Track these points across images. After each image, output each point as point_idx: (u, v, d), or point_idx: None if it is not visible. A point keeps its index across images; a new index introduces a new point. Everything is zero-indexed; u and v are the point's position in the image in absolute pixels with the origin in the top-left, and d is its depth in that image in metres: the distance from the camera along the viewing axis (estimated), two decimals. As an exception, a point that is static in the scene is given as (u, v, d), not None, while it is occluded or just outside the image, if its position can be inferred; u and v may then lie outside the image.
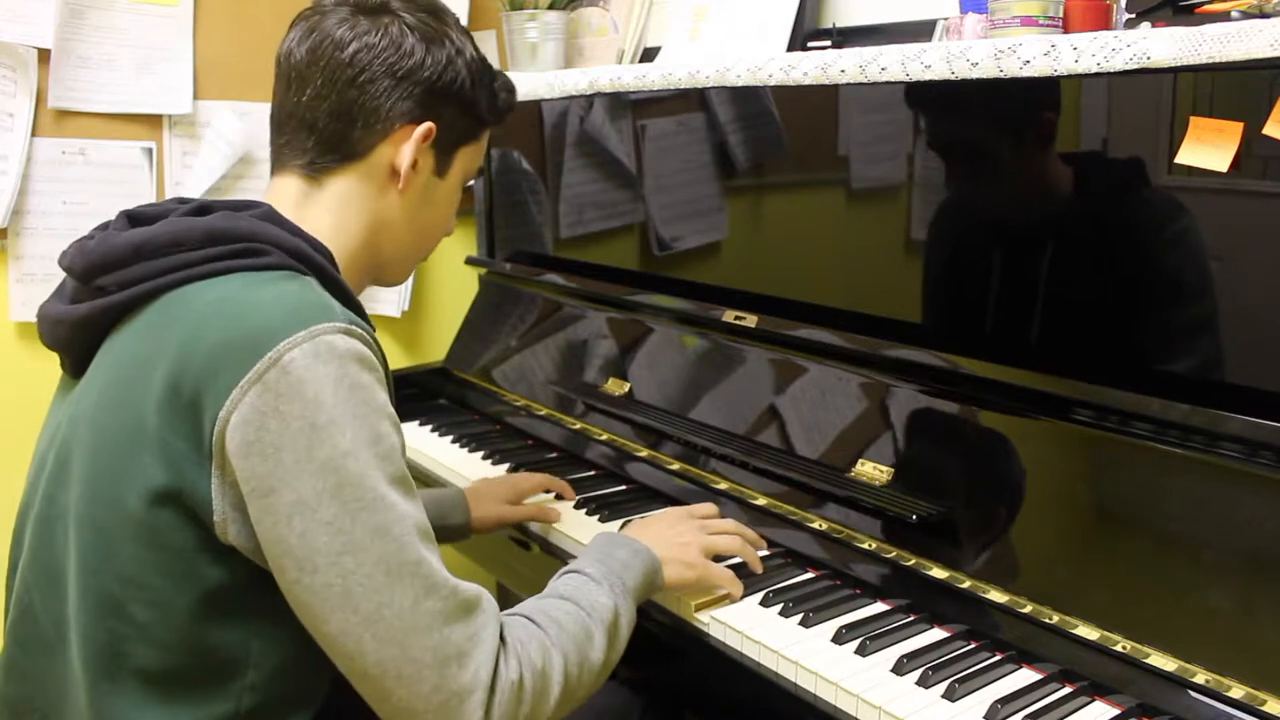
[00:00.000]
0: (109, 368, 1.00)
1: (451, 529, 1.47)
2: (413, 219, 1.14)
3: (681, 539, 1.25)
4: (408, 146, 1.09)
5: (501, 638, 0.98)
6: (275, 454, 0.89)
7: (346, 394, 0.91)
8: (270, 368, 0.89)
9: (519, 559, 1.55)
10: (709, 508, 1.36)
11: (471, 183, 2.24)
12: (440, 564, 0.96)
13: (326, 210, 1.09)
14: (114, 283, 1.00)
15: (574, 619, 1.05)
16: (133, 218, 1.05)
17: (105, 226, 1.07)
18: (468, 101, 1.13)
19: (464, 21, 2.27)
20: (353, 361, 0.93)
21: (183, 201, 1.08)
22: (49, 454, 1.04)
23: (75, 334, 1.04)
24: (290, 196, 1.09)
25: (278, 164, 1.11)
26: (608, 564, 1.14)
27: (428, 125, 1.09)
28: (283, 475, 0.89)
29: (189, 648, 0.95)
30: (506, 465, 1.71)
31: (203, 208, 1.05)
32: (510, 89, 1.20)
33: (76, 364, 1.05)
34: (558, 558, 1.45)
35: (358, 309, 1.04)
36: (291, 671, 0.99)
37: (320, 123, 1.07)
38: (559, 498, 1.56)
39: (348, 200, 1.09)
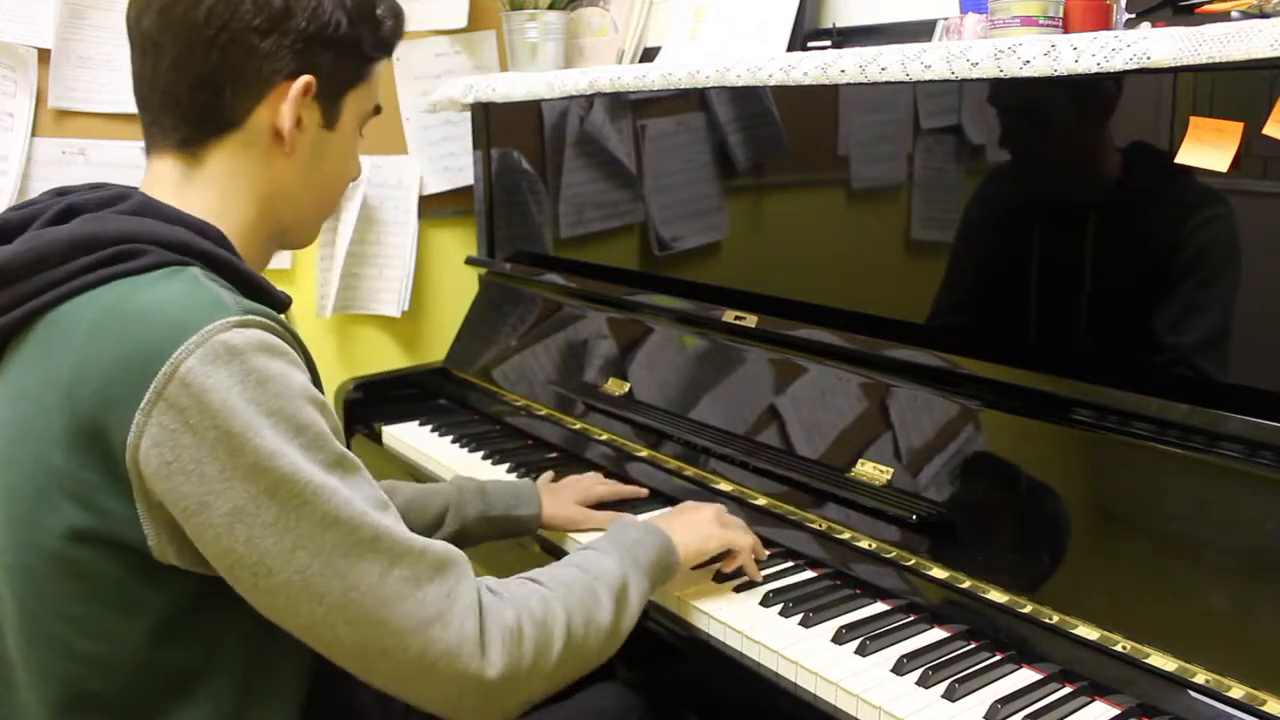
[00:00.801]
0: (3, 404, 0.93)
1: (522, 520, 1.43)
2: (309, 179, 1.04)
3: (697, 522, 1.25)
4: (286, 106, 0.98)
5: (494, 590, 0.97)
6: (198, 469, 0.84)
7: (256, 391, 0.85)
8: (168, 383, 0.84)
9: (519, 559, 1.55)
10: (719, 507, 1.36)
11: (471, 182, 2.26)
12: (402, 528, 0.92)
13: (211, 188, 0.99)
14: None
15: (579, 580, 1.04)
16: (1, 229, 0.96)
17: None
18: (348, 43, 1.01)
19: (463, 22, 2.28)
20: (256, 353, 0.86)
21: (59, 194, 1.00)
22: None
23: None
24: (169, 179, 1.00)
25: (150, 145, 1.01)
26: (617, 539, 1.14)
27: (306, 79, 0.98)
28: (211, 489, 0.85)
29: (149, 670, 0.91)
30: (506, 465, 1.71)
31: (67, 211, 0.95)
32: (397, 14, 1.07)
33: None
34: (558, 558, 1.45)
35: (258, 288, 0.96)
36: (262, 668, 0.95)
37: (185, 95, 0.96)
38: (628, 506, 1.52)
39: (232, 173, 1.00)
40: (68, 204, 0.97)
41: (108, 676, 0.91)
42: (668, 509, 1.37)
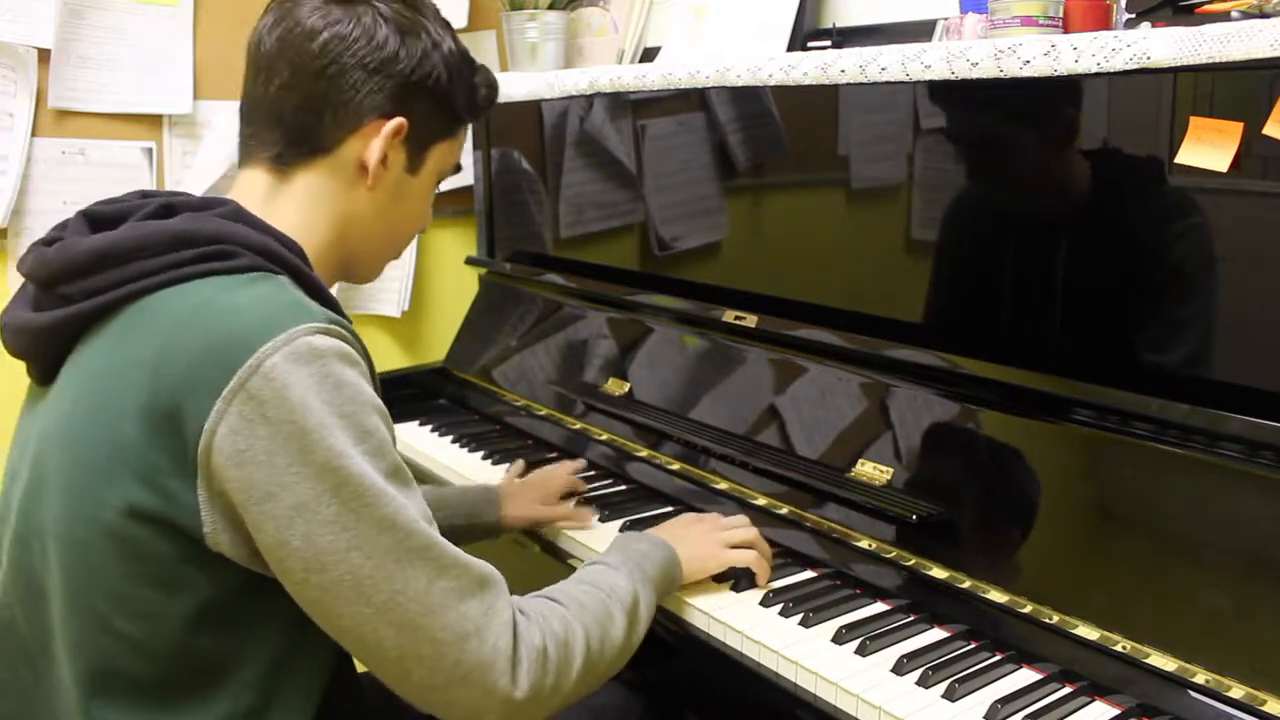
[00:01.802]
0: (80, 380, 0.97)
1: (483, 526, 1.47)
2: (383, 216, 1.10)
3: (700, 535, 1.28)
4: (377, 142, 1.05)
5: (523, 610, 1.00)
6: (268, 460, 0.88)
7: (332, 393, 0.90)
8: (252, 375, 0.87)
9: (519, 558, 1.55)
10: (716, 515, 1.36)
11: (471, 182, 2.26)
12: (447, 543, 0.96)
13: (294, 205, 1.06)
14: (78, 291, 0.96)
15: (594, 598, 1.07)
16: (92, 219, 1.01)
17: (65, 226, 1.02)
18: (443, 97, 1.09)
19: (463, 22, 2.28)
20: (335, 360, 0.91)
21: (145, 196, 1.05)
22: (21, 468, 1.01)
23: (39, 343, 1.00)
24: (258, 191, 1.06)
25: (245, 157, 1.08)
26: (626, 553, 1.17)
27: (399, 121, 1.05)
28: (279, 480, 0.88)
29: (181, 655, 0.94)
30: (506, 465, 1.71)
31: (167, 207, 1.01)
32: (491, 84, 1.16)
33: (44, 372, 1.02)
34: (558, 558, 1.45)
35: (333, 305, 1.01)
36: (288, 666, 0.98)
37: (287, 115, 1.04)
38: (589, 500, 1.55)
39: (316, 195, 1.06)
40: (167, 201, 1.02)
41: (141, 657, 0.94)
42: (667, 521, 1.37)
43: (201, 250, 0.96)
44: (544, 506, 1.50)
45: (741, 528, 1.31)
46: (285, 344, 0.89)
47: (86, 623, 0.94)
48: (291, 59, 1.03)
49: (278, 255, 0.99)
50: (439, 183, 1.16)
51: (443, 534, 1.39)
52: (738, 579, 1.28)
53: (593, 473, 1.65)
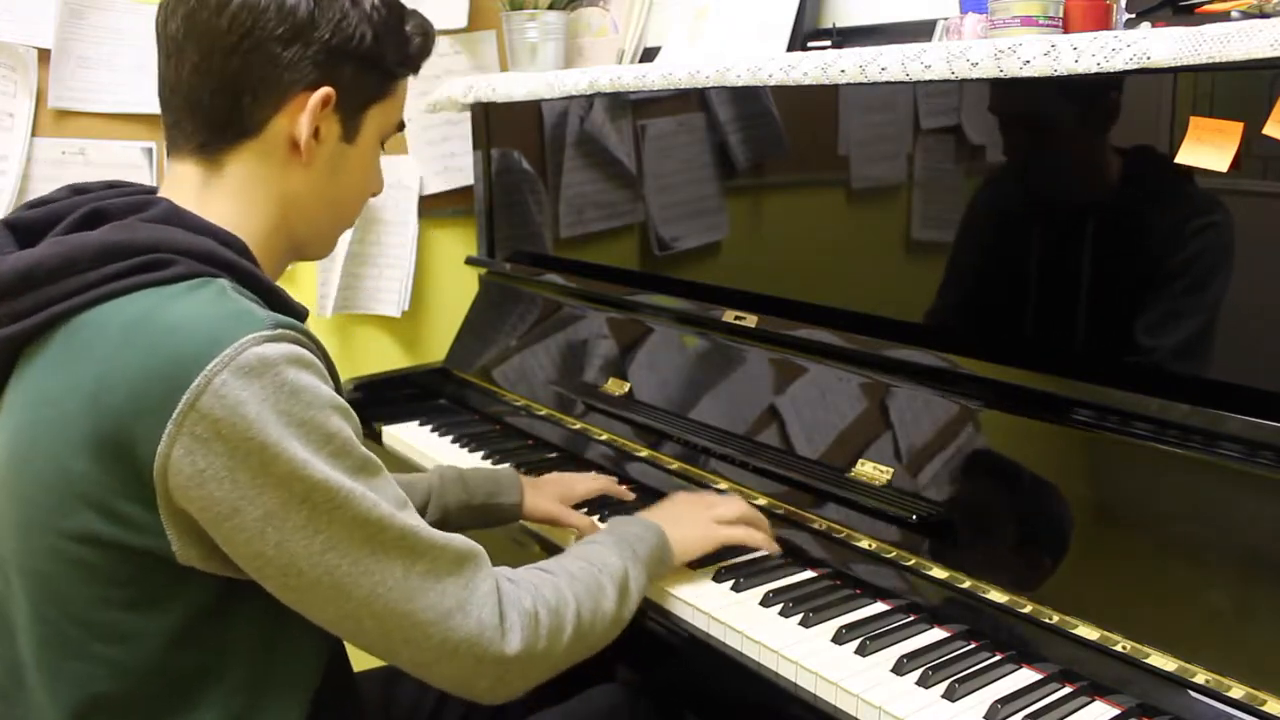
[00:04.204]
0: (18, 409, 0.93)
1: (501, 508, 1.45)
2: (324, 191, 1.04)
3: (691, 515, 1.29)
4: (305, 116, 0.98)
5: (512, 579, 1.02)
6: (230, 477, 0.85)
7: (289, 403, 0.87)
8: (200, 395, 0.84)
9: (518, 558, 1.55)
10: (710, 493, 1.39)
11: (471, 182, 2.26)
12: (421, 524, 0.95)
13: (229, 195, 1.00)
14: (6, 314, 0.92)
15: (585, 570, 1.08)
16: (17, 229, 0.96)
17: None
18: (371, 57, 1.01)
19: (464, 22, 2.28)
20: (286, 366, 0.87)
21: (77, 193, 1.00)
22: None
23: None
24: (189, 185, 1.00)
25: (171, 148, 1.02)
26: (618, 534, 1.19)
27: (325, 91, 0.99)
28: (244, 495, 0.86)
29: (165, 671, 0.92)
30: (506, 465, 1.71)
31: (94, 215, 0.95)
32: (425, 31, 1.07)
33: None
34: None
35: (280, 301, 0.97)
36: (275, 663, 0.97)
37: (205, 100, 0.97)
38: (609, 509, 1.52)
39: (250, 181, 1.00)
40: (93, 208, 0.96)
41: (123, 678, 0.92)
42: (658, 502, 1.37)
43: (133, 261, 0.91)
44: (565, 508, 1.47)
45: (731, 502, 1.33)
46: (233, 358, 0.85)
47: (61, 652, 0.92)
48: (200, 39, 0.96)
49: (216, 256, 0.94)
50: (383, 143, 1.10)
51: (458, 514, 1.43)
52: (737, 579, 1.28)
53: (593, 473, 1.65)
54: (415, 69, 1.09)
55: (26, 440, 0.91)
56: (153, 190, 1.02)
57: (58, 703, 0.93)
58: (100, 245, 0.91)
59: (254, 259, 0.99)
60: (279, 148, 1.00)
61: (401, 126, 1.11)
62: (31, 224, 0.97)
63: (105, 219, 0.95)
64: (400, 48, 1.05)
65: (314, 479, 0.88)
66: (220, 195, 1.00)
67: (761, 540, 1.32)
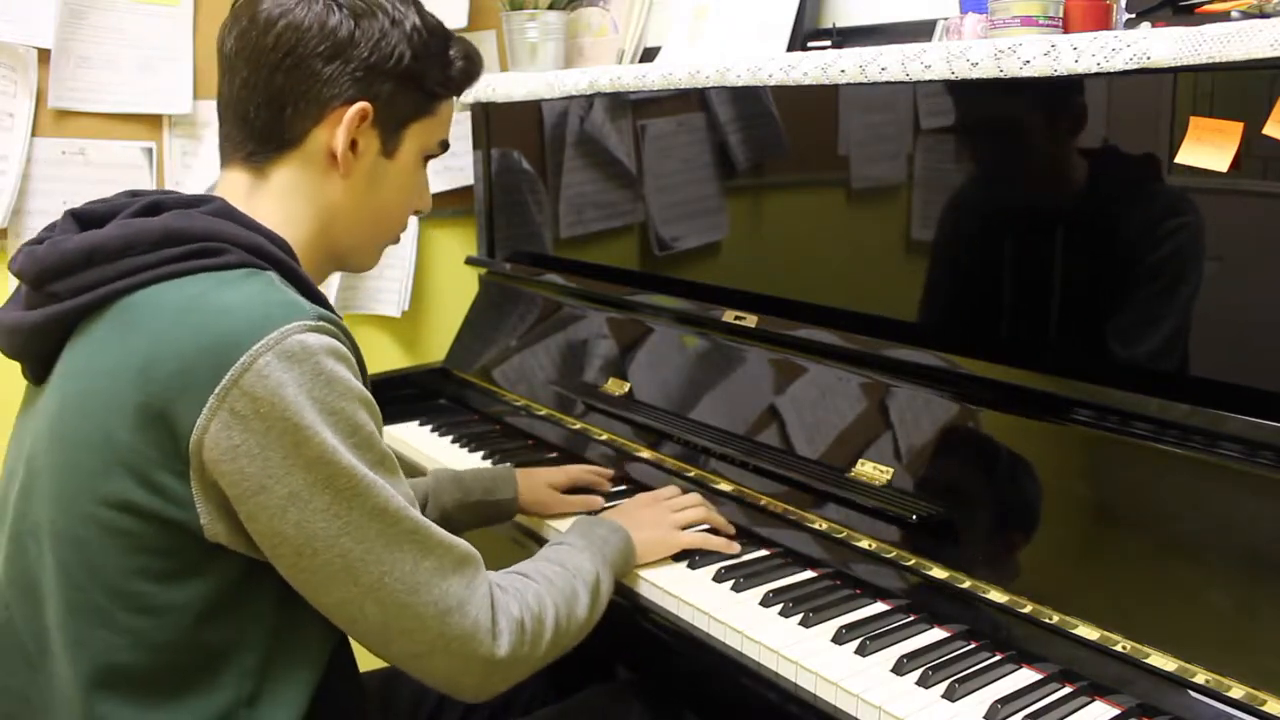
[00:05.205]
0: (70, 378, 0.98)
1: (500, 505, 1.49)
2: (364, 203, 1.09)
3: (652, 519, 1.35)
4: (341, 129, 1.04)
5: (500, 585, 1.06)
6: (261, 454, 0.90)
7: (324, 391, 0.92)
8: (244, 373, 0.89)
9: (518, 558, 1.55)
10: (671, 489, 1.45)
11: (471, 182, 2.26)
12: (432, 524, 1.00)
13: (275, 201, 1.06)
14: (67, 289, 0.97)
15: (562, 577, 1.14)
16: (81, 218, 1.02)
17: (54, 227, 1.03)
18: (411, 76, 1.06)
19: (464, 22, 2.28)
20: (325, 356, 0.93)
21: (134, 195, 1.05)
22: (17, 468, 1.02)
23: (31, 342, 1.01)
24: (239, 190, 1.06)
25: (224, 157, 1.09)
26: (589, 537, 1.24)
27: (361, 106, 1.04)
28: (272, 473, 0.90)
29: (186, 647, 0.95)
30: (504, 464, 1.71)
31: (155, 205, 1.01)
32: (470, 56, 1.13)
33: (37, 372, 1.02)
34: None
35: (321, 301, 1.02)
36: (283, 651, 0.99)
37: (251, 113, 1.04)
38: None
39: (293, 189, 1.06)
40: (154, 199, 1.02)
41: (144, 651, 0.95)
42: (623, 501, 1.45)
43: (190, 247, 0.96)
44: (562, 496, 1.52)
45: (691, 508, 1.38)
46: (277, 342, 0.90)
47: (87, 619, 0.95)
48: (249, 56, 1.03)
49: (266, 251, 0.99)
50: (426, 162, 1.15)
51: (457, 514, 1.47)
52: (738, 579, 1.28)
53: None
54: (458, 91, 1.13)
55: (75, 409, 0.96)
56: (211, 194, 1.07)
57: (77, 670, 0.95)
58: (161, 230, 0.96)
59: (297, 260, 1.04)
60: (319, 159, 1.06)
61: (446, 146, 1.16)
62: (93, 214, 1.02)
63: (164, 209, 1.00)
64: (442, 69, 1.10)
65: (340, 465, 0.92)
66: (266, 201, 1.06)
67: (719, 544, 1.36)
